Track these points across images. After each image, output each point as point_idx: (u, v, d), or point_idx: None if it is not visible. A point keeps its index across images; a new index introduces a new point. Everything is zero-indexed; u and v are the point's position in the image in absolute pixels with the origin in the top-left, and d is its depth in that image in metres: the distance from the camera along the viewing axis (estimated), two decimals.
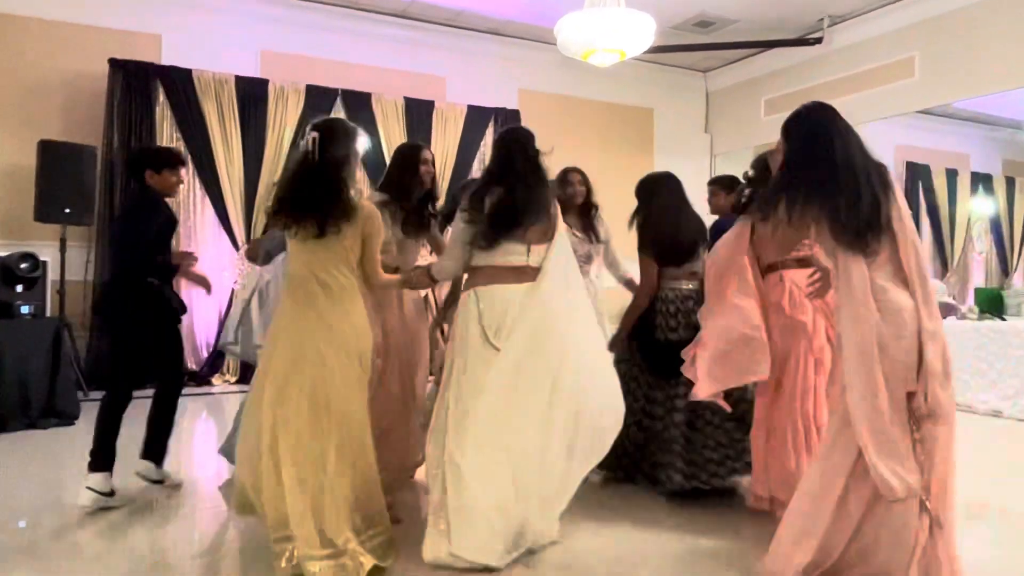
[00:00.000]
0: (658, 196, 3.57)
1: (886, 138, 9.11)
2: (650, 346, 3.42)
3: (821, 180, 2.35)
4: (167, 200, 3.42)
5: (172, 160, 3.37)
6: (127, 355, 3.26)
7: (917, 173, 9.38)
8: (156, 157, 3.38)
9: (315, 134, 2.55)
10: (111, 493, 3.18)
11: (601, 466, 2.96)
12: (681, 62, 8.97)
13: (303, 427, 2.43)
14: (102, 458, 3.19)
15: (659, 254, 3.45)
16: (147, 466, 3.45)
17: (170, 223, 3.37)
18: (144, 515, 3.18)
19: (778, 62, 8.51)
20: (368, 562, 2.38)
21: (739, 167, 9.40)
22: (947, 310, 6.36)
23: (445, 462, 2.54)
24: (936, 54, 7.01)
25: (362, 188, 3.17)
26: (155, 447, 3.45)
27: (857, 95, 7.67)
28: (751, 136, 8.99)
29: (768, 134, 8.77)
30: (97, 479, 3.15)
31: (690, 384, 2.98)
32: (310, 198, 2.52)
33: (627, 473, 3.54)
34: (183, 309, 3.41)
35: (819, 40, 7.85)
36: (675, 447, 3.25)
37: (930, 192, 9.44)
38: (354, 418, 2.51)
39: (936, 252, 9.43)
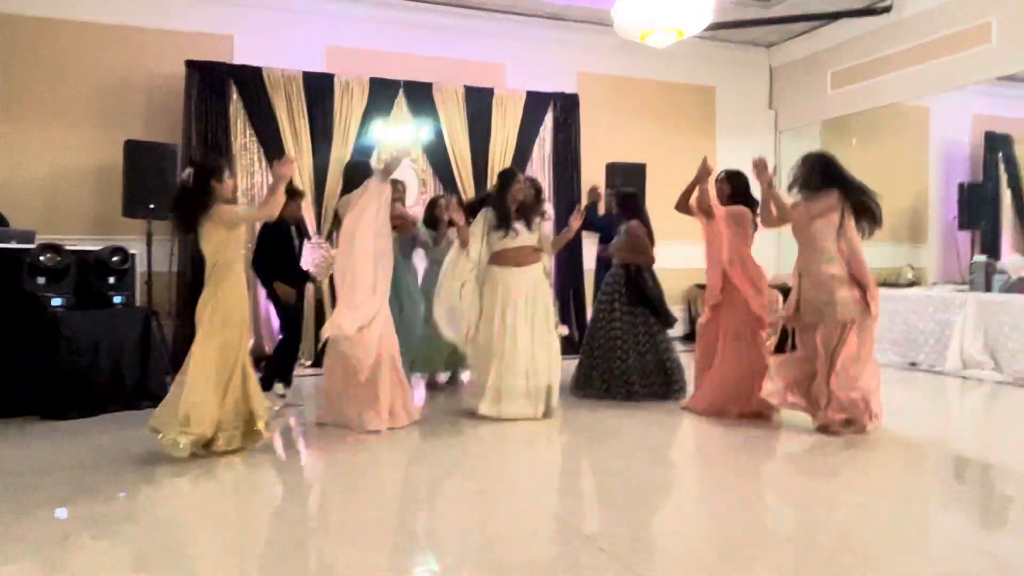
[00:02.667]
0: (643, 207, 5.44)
1: (962, 108, 8.70)
2: (645, 301, 5.19)
3: None
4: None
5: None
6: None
7: (996, 143, 8.90)
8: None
9: (190, 170, 3.87)
10: (284, 396, 5.14)
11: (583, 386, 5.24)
12: (743, 37, 8.75)
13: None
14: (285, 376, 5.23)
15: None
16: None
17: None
18: (231, 486, 3.37)
19: (845, 33, 8.21)
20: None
21: (805, 143, 9.19)
22: None
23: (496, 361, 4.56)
24: (1015, 17, 6.64)
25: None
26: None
27: (930, 64, 7.35)
28: (817, 111, 8.72)
29: (835, 108, 8.50)
30: (281, 387, 5.19)
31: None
32: (185, 210, 3.78)
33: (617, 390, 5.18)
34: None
35: (888, 8, 7.54)
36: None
37: (1011, 163, 8.95)
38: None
39: (1018, 225, 8.96)
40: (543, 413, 4.62)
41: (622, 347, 5.15)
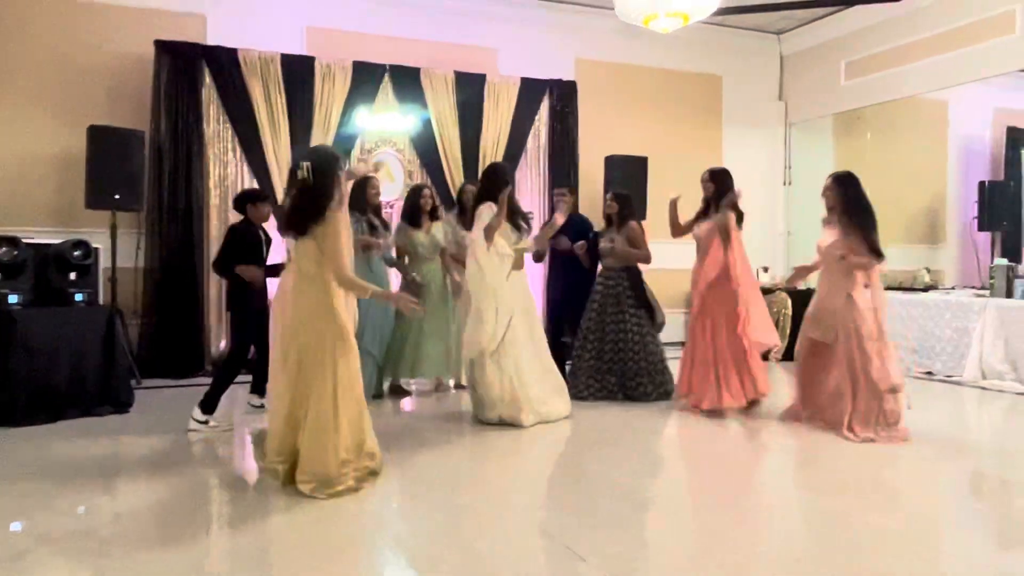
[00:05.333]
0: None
1: (984, 101, 8.75)
2: (646, 303, 5.62)
3: None
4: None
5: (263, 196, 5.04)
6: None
7: (1020, 139, 8.96)
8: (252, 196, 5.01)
9: (308, 164, 3.45)
10: (205, 422, 4.57)
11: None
12: (752, 24, 8.77)
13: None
14: (209, 403, 4.61)
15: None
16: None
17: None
18: (199, 503, 3.36)
19: (860, 21, 8.25)
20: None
21: (817, 137, 9.18)
22: None
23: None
24: None
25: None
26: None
27: (949, 55, 7.40)
28: (830, 103, 8.75)
29: (849, 100, 8.53)
30: (198, 413, 4.57)
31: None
32: (304, 213, 3.46)
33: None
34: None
35: None
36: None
37: None
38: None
39: None
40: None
41: (633, 348, 5.50)
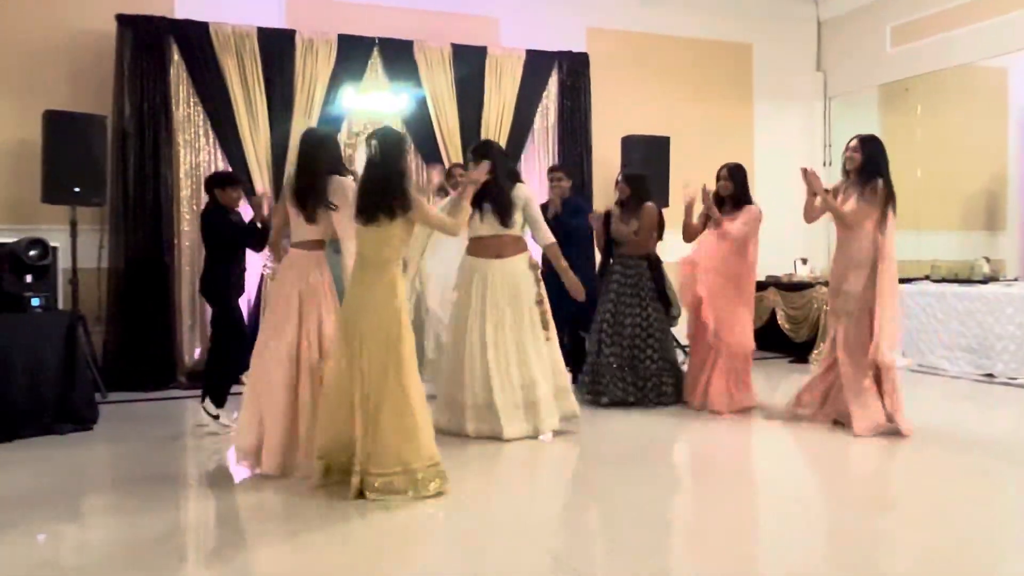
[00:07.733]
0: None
1: None
2: (664, 296, 5.73)
3: None
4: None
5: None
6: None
7: None
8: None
9: (376, 142, 3.71)
10: (217, 417, 4.87)
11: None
12: None
13: None
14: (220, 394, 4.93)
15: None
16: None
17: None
18: (170, 527, 3.36)
19: None
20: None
21: (860, 111, 9.10)
22: None
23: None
24: None
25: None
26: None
27: (1009, 16, 7.34)
28: (875, 73, 8.71)
29: (896, 70, 8.48)
30: (211, 405, 4.89)
31: None
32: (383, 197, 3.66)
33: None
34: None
35: None
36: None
37: None
38: None
39: None
40: (535, 431, 4.69)
41: (653, 345, 5.60)
